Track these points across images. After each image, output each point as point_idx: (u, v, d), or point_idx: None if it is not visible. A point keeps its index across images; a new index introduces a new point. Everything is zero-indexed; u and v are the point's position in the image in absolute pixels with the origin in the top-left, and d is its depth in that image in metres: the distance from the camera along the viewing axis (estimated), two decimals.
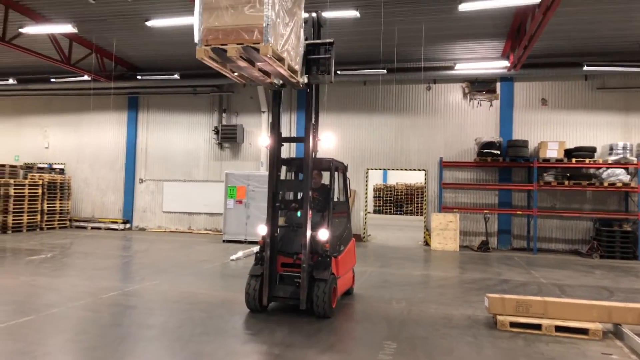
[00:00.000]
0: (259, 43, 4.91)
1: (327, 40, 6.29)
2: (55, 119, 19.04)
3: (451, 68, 14.58)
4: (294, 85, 6.15)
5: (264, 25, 4.89)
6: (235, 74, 5.85)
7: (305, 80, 6.25)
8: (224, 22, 5.01)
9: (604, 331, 5.77)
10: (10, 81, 17.56)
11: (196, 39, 5.17)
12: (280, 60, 5.29)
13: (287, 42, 5.45)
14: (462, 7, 9.92)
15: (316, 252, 6.29)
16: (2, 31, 12.43)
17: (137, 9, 11.82)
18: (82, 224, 17.86)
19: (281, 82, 6.26)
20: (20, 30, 12.20)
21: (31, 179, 16.45)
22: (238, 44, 4.96)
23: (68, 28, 11.85)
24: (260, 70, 5.62)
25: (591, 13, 11.16)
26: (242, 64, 5.31)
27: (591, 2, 10.55)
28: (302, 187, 6.48)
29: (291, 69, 5.65)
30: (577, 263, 12.10)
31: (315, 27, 6.61)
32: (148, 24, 11.71)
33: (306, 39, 6.26)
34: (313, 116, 6.48)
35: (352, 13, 10.87)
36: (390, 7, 11.07)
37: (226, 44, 5.01)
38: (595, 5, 10.71)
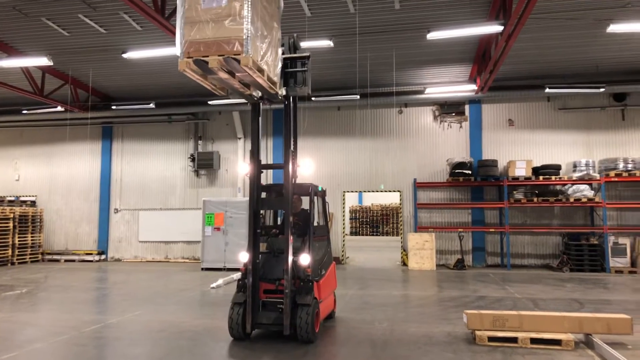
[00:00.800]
0: (239, 54, 5.11)
1: (304, 54, 6.59)
2: (26, 151, 18.77)
3: (421, 92, 15.08)
4: (273, 96, 6.36)
5: (244, 37, 5.10)
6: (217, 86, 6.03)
7: (284, 92, 6.47)
8: (205, 35, 5.20)
9: (576, 341, 6.05)
10: None
11: (178, 52, 5.33)
12: (260, 71, 5.49)
13: (266, 54, 5.69)
14: (430, 36, 10.39)
15: (298, 277, 6.37)
16: None
17: (113, 41, 11.96)
18: (55, 256, 17.46)
19: (260, 94, 6.46)
20: None
21: (1, 212, 16.10)
22: (219, 55, 5.15)
23: (43, 61, 11.78)
24: (240, 81, 5.82)
25: (551, 39, 11.85)
26: (223, 75, 5.50)
27: (550, 29, 11.21)
28: (283, 205, 6.60)
29: (270, 80, 5.85)
30: (549, 277, 12.51)
31: (292, 49, 6.88)
32: (125, 56, 11.82)
33: (283, 53, 6.53)
34: (292, 140, 6.65)
35: (326, 43, 11.22)
36: (362, 36, 11.50)
37: (207, 56, 5.19)
38: (554, 32, 11.39)
